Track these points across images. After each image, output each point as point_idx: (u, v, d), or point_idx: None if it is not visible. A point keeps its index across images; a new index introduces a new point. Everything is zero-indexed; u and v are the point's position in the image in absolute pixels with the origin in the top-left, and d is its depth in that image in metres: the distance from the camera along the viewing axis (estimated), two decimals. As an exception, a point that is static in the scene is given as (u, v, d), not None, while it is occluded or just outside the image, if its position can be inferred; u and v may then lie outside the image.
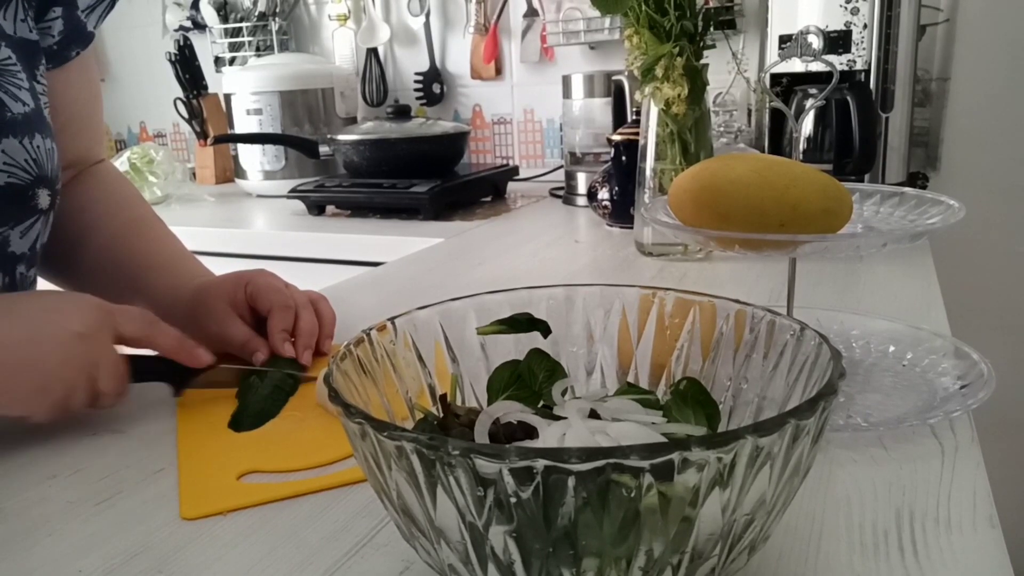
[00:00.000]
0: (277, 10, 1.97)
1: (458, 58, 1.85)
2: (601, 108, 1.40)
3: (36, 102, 0.65)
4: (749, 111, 1.48)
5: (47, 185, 0.66)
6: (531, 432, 0.35)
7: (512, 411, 0.37)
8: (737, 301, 0.41)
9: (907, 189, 0.58)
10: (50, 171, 0.66)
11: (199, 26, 2.07)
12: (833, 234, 0.50)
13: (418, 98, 1.87)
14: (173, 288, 0.72)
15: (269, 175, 1.77)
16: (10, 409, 0.52)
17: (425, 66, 1.87)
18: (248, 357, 0.65)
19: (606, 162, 1.22)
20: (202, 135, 2.01)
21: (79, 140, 0.77)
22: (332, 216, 1.54)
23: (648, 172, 0.94)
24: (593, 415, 0.37)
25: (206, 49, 2.04)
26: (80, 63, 0.74)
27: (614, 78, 1.33)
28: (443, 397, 0.41)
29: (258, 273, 0.70)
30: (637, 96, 0.94)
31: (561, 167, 1.55)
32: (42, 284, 0.75)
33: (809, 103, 1.14)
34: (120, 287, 0.73)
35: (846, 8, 1.10)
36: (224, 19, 2.01)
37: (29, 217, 0.65)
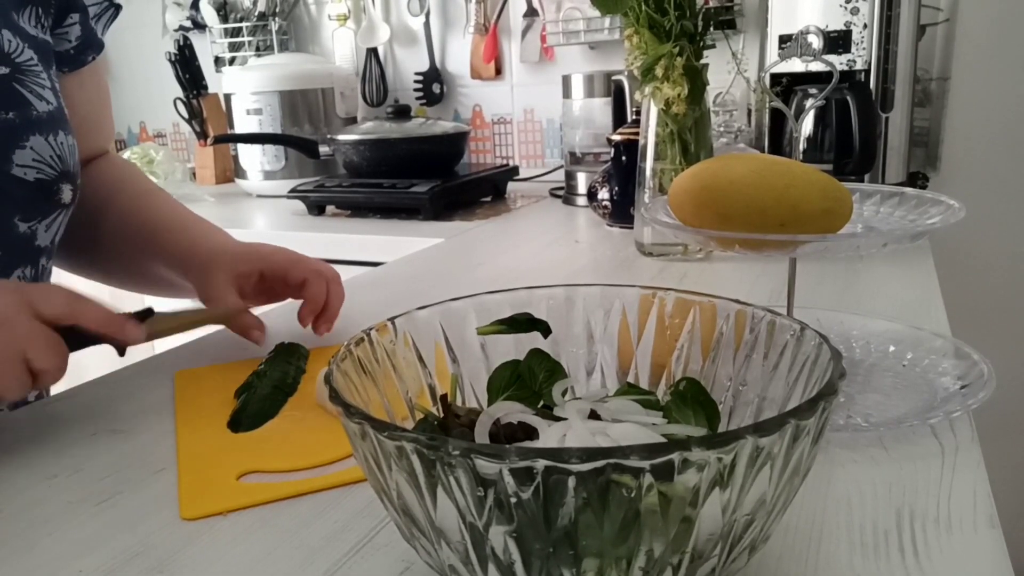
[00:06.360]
0: (277, 10, 1.97)
1: (458, 58, 1.85)
2: (601, 108, 1.40)
3: (58, 100, 0.67)
4: (749, 111, 1.48)
5: (69, 180, 0.68)
6: (531, 433, 0.35)
7: (512, 411, 0.37)
8: (737, 301, 0.41)
9: (907, 189, 0.58)
10: (72, 166, 0.68)
11: (199, 26, 2.08)
12: (833, 234, 0.50)
13: (418, 98, 1.87)
14: (189, 248, 0.73)
15: (269, 175, 1.77)
16: None
17: (425, 66, 1.87)
18: (239, 331, 0.66)
19: (606, 162, 1.22)
20: (202, 135, 2.01)
21: (91, 139, 0.79)
22: (332, 216, 1.54)
23: (648, 172, 0.94)
24: (593, 416, 0.37)
25: (206, 49, 2.04)
26: (92, 67, 0.76)
27: (614, 78, 1.33)
28: (443, 397, 0.41)
29: (278, 251, 0.71)
30: (637, 96, 0.94)
31: (561, 167, 1.55)
32: (56, 274, 0.76)
33: (809, 103, 1.14)
34: (139, 252, 0.75)
35: (846, 8, 1.10)
36: (224, 19, 2.01)
37: (54, 211, 0.68)
